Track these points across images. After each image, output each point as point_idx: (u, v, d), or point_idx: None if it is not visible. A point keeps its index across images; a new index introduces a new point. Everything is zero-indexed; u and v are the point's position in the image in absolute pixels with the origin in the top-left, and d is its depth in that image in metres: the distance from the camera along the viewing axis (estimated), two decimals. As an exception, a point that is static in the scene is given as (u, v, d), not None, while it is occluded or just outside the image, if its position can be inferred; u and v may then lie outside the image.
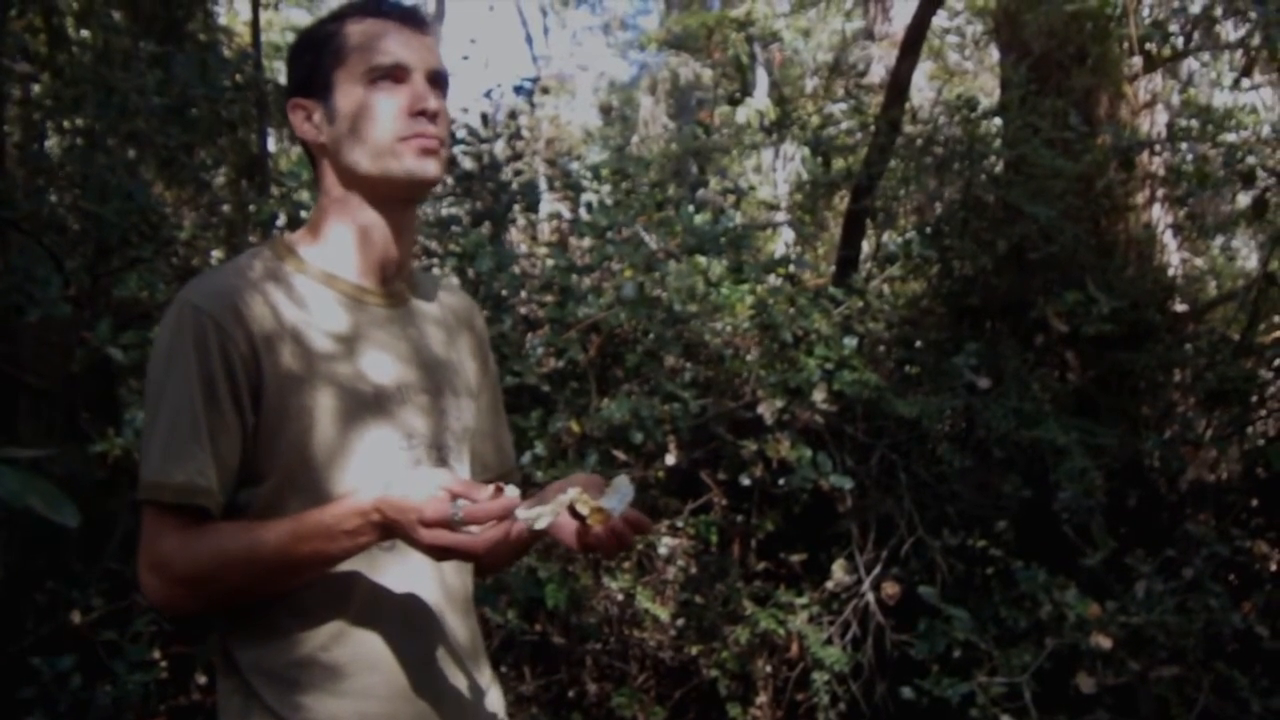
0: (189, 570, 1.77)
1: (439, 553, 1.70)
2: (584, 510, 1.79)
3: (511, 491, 1.70)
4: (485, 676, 2.03)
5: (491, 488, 1.71)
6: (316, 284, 1.93)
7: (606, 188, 5.53)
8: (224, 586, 1.79)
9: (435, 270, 4.93)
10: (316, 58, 1.93)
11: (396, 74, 1.89)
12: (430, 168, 1.91)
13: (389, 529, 1.72)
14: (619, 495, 1.81)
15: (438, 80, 1.94)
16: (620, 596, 5.08)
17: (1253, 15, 6.07)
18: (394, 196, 1.94)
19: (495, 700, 2.05)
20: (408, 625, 1.87)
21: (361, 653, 1.83)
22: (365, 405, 1.88)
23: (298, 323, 1.87)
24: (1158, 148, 6.44)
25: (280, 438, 1.82)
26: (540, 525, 1.77)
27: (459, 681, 1.94)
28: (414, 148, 1.89)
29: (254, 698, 1.83)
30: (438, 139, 1.91)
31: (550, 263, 5.17)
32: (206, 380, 1.79)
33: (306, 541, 1.73)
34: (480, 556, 1.71)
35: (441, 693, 1.90)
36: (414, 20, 1.95)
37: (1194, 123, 6.41)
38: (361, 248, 1.96)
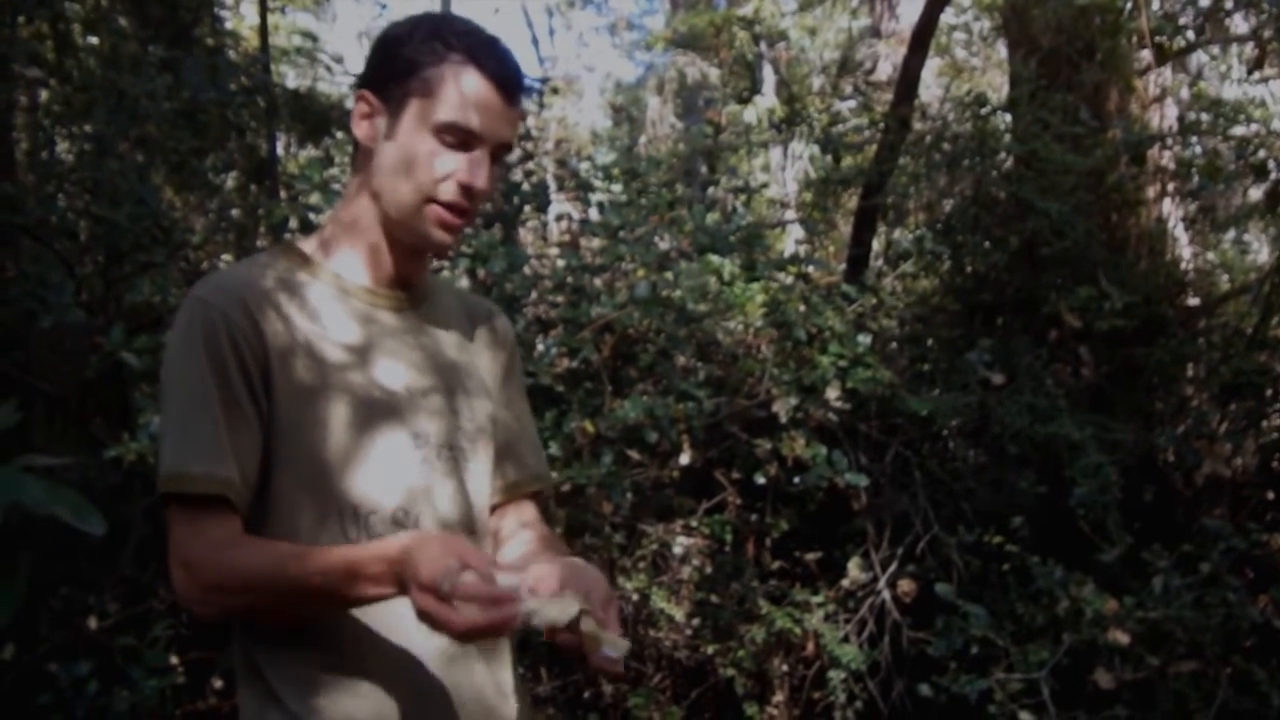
0: (215, 580, 1.77)
1: (424, 619, 1.63)
2: (591, 644, 1.68)
3: (509, 580, 1.64)
4: (506, 673, 2.02)
5: (506, 572, 1.66)
6: (330, 292, 1.94)
7: (617, 187, 5.52)
8: (247, 602, 1.79)
9: (446, 273, 4.93)
10: (405, 72, 1.88)
11: (466, 140, 1.87)
12: (442, 238, 1.92)
13: (404, 583, 1.67)
14: (611, 641, 1.70)
15: (499, 150, 1.92)
16: (635, 597, 5.08)
17: (1265, 5, 6.05)
18: (401, 240, 1.95)
19: (518, 697, 2.04)
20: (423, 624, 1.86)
21: (379, 653, 1.83)
22: (376, 411, 1.88)
23: (311, 333, 1.88)
24: (1168, 142, 6.43)
25: (293, 444, 1.83)
26: (536, 623, 1.67)
27: (479, 679, 1.93)
28: (436, 217, 1.89)
29: (273, 699, 1.83)
30: (465, 215, 1.91)
31: (562, 263, 5.17)
32: (219, 372, 1.79)
33: (328, 578, 1.72)
34: (459, 637, 1.62)
35: (461, 690, 1.89)
36: (512, 91, 1.91)
37: (1204, 116, 6.41)
38: (378, 257, 1.97)
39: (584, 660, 1.70)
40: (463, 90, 1.86)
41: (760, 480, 4.92)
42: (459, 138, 1.86)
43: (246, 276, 1.90)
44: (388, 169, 1.90)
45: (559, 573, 1.72)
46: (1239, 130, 6.15)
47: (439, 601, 1.59)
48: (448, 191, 1.88)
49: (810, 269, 5.50)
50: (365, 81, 1.95)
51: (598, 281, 5.11)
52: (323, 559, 1.73)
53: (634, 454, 4.86)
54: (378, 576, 1.69)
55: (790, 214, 8.82)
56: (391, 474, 1.87)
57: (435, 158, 1.87)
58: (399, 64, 1.90)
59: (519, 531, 2.11)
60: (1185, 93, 7.75)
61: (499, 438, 2.09)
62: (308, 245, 2.00)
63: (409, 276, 2.01)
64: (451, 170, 1.87)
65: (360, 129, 1.94)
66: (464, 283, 4.92)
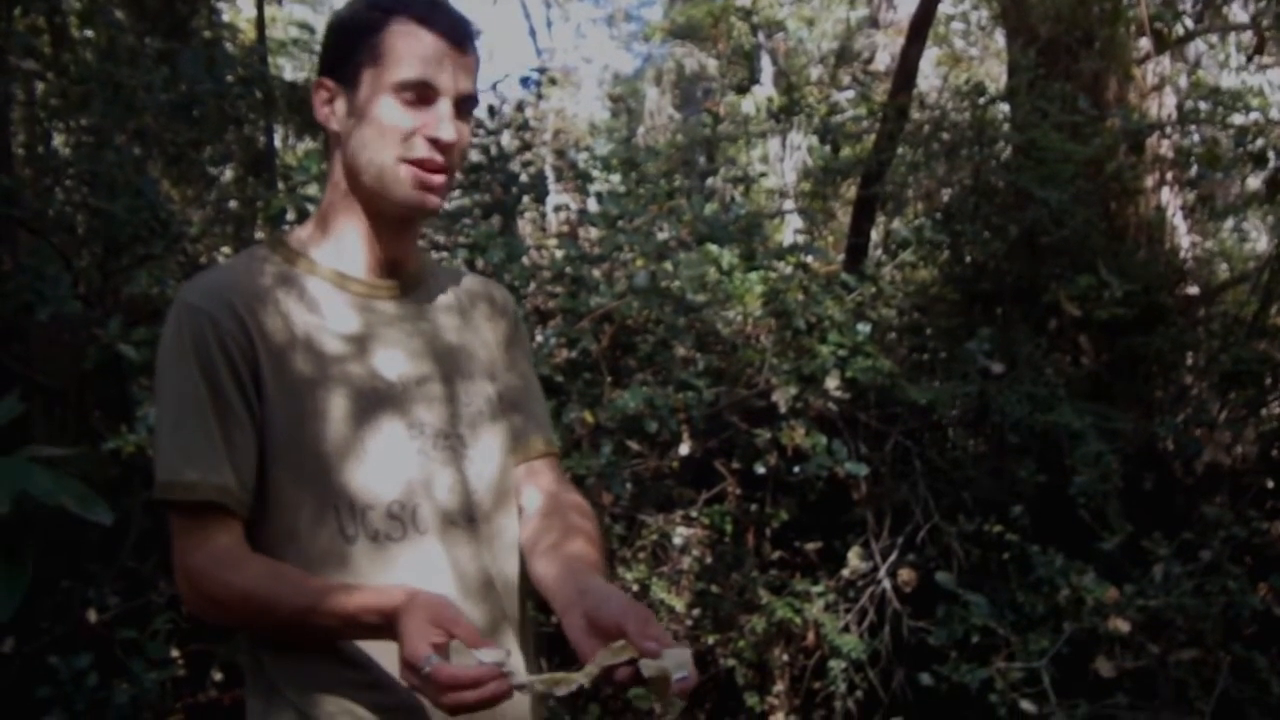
0: (216, 595, 1.79)
1: (414, 690, 1.63)
2: (648, 673, 1.58)
3: (492, 656, 1.61)
4: (512, 660, 2.00)
5: (489, 651, 1.62)
6: (328, 285, 1.93)
7: (616, 178, 5.51)
8: (243, 619, 1.82)
9: (444, 264, 4.92)
10: (352, 46, 1.88)
11: (425, 94, 1.85)
12: (426, 200, 1.90)
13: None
14: (675, 662, 1.59)
15: (465, 103, 1.91)
16: (635, 587, 5.07)
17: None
18: (387, 213, 1.93)
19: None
20: None
21: (382, 647, 1.81)
22: (372, 402, 1.88)
23: (310, 325, 1.88)
24: (1167, 130, 6.43)
25: (289, 439, 1.83)
26: (561, 693, 1.64)
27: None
28: (412, 176, 1.87)
29: (276, 693, 1.83)
30: (442, 170, 1.89)
31: (560, 253, 5.16)
32: (210, 377, 1.80)
33: (324, 617, 1.72)
34: (450, 713, 1.60)
35: None
36: (460, 39, 1.89)
37: (1203, 105, 6.40)
38: (369, 245, 1.96)
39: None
40: (410, 46, 1.85)
41: (760, 470, 4.92)
42: (417, 93, 1.85)
43: (235, 276, 1.90)
44: (358, 144, 1.89)
45: (575, 627, 1.71)
46: (1238, 119, 6.14)
47: (422, 681, 1.58)
48: (418, 149, 1.86)
49: (809, 258, 5.49)
50: (320, 70, 1.95)
51: (596, 272, 5.10)
52: (318, 596, 1.73)
53: (634, 444, 4.85)
54: (372, 626, 1.70)
55: (789, 204, 8.81)
56: (388, 466, 1.86)
57: (399, 118, 1.85)
58: (344, 42, 1.90)
59: (532, 512, 2.07)
60: (1184, 81, 7.74)
61: (507, 400, 2.08)
62: (298, 238, 2.00)
63: (402, 259, 2.00)
64: (416, 126, 1.86)
65: (323, 115, 1.94)
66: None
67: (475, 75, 1.93)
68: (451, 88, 1.87)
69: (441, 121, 1.86)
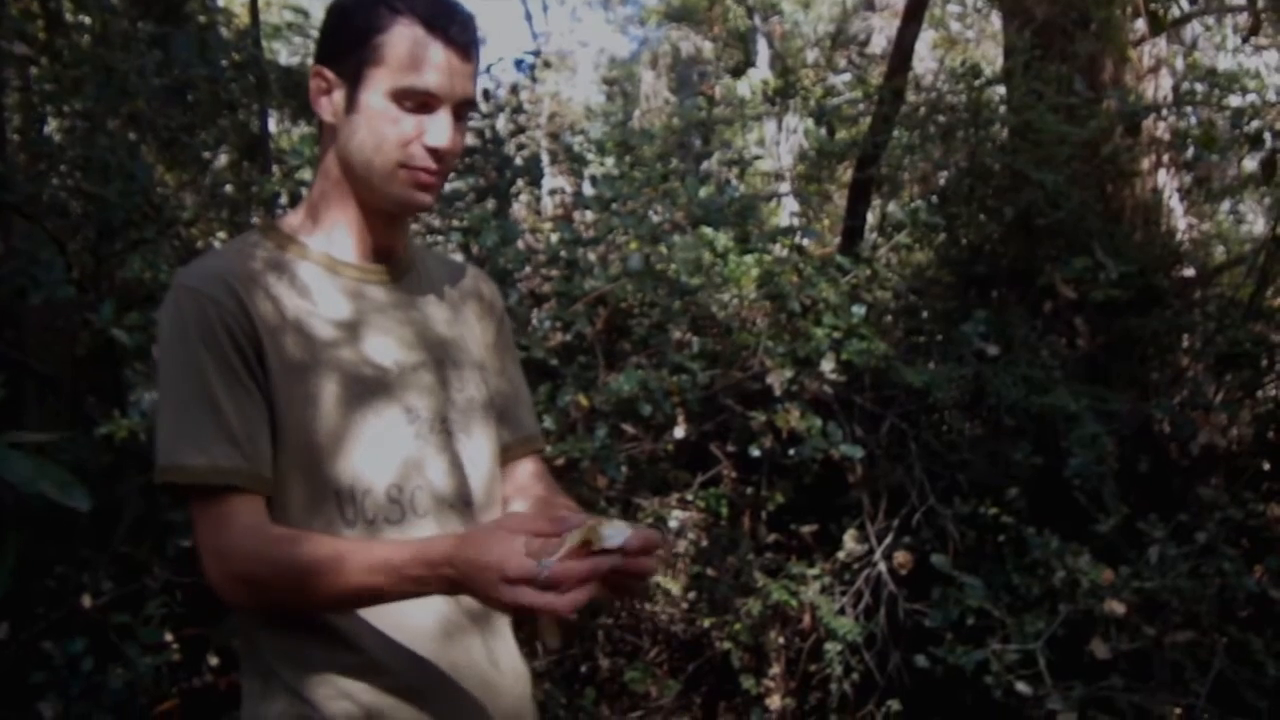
0: (245, 569, 1.76)
1: (522, 611, 1.59)
2: (573, 540, 1.58)
3: (616, 528, 1.58)
4: (506, 645, 2.01)
5: (570, 532, 1.58)
6: (320, 270, 1.94)
7: (610, 161, 5.50)
8: (277, 595, 1.78)
9: (438, 248, 4.91)
10: (355, 41, 1.86)
11: (426, 101, 1.85)
12: (421, 199, 1.91)
13: (461, 586, 1.63)
14: (617, 531, 1.60)
15: (463, 107, 1.90)
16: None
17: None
18: (379, 208, 1.94)
19: (518, 670, 2.03)
20: (420, 600, 1.85)
21: (376, 629, 1.83)
22: (367, 388, 1.88)
23: (301, 310, 1.88)
24: (1163, 112, 6.41)
25: (286, 423, 1.83)
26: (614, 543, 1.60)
27: (476, 654, 1.93)
28: (410, 178, 1.88)
29: (274, 677, 1.84)
30: (439, 174, 1.90)
31: (555, 237, 5.15)
32: (218, 357, 1.79)
33: (369, 575, 1.70)
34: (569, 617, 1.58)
35: (459, 666, 1.89)
36: (464, 46, 1.88)
37: (1199, 87, 6.38)
38: (360, 232, 1.97)
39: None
40: (415, 53, 1.84)
41: (755, 453, 4.91)
42: (418, 101, 1.85)
43: (230, 260, 1.90)
44: (354, 143, 1.89)
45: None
46: (1234, 100, 6.12)
47: (538, 593, 1.54)
48: (415, 156, 1.87)
49: (804, 241, 5.48)
50: (319, 56, 1.93)
51: (591, 255, 5.09)
52: (362, 555, 1.71)
53: (628, 427, 4.84)
54: (419, 579, 1.67)
55: (784, 187, 8.80)
56: (384, 451, 1.87)
57: (398, 124, 1.86)
58: (348, 34, 1.88)
59: (517, 497, 2.11)
60: (1180, 63, 7.73)
61: (496, 405, 2.09)
62: (290, 224, 2.00)
63: (392, 246, 2.01)
64: (416, 134, 1.86)
65: (320, 106, 1.93)
66: (458, 258, 4.90)
67: (476, 78, 1.93)
68: (453, 95, 1.87)
69: (441, 129, 1.87)
